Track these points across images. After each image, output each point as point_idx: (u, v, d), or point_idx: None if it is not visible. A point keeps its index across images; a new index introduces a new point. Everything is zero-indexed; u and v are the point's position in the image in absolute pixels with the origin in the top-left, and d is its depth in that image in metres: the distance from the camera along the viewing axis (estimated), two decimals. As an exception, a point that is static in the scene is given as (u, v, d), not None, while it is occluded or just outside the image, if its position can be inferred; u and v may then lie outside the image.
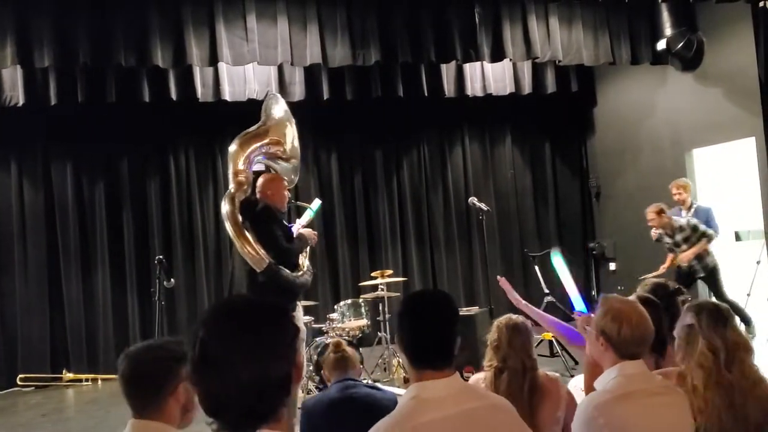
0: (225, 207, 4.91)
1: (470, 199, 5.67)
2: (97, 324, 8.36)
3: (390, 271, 7.54)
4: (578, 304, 3.16)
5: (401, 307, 2.10)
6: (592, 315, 2.93)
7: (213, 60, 6.78)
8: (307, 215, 5.21)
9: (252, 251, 4.70)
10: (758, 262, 7.94)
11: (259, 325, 1.27)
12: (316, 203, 5.36)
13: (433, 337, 1.98)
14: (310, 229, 5.06)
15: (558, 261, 3.43)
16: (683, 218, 7.44)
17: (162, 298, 4.85)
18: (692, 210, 7.42)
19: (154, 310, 5.14)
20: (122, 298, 8.46)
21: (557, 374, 2.99)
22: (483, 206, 5.66)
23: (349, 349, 3.44)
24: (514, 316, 3.00)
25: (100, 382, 8.03)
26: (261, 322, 1.28)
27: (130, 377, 2.11)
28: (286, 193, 5.05)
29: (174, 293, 8.24)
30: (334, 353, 3.41)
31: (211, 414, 1.25)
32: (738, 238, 9.33)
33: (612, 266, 10.07)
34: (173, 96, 7.64)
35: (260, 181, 5.00)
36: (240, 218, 4.83)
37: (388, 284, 7.22)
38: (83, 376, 8.05)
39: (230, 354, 1.22)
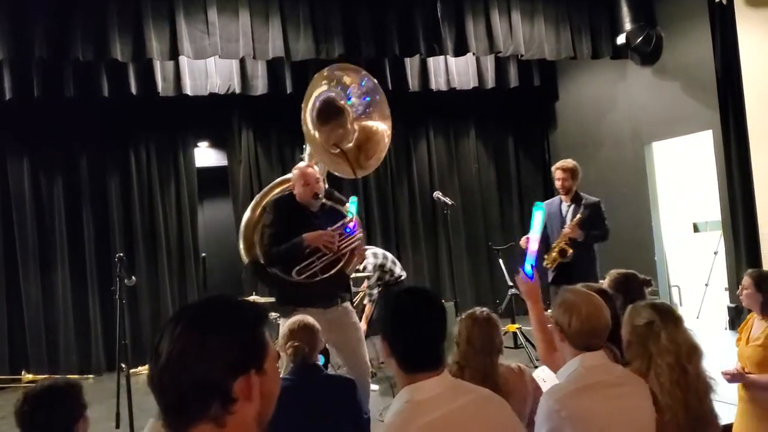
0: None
1: (435, 193, 5.68)
2: (57, 323, 8.19)
3: (355, 266, 7.51)
4: (528, 264, 3.11)
5: (390, 312, 2.00)
6: (530, 282, 2.96)
7: (173, 54, 6.67)
8: (348, 215, 4.57)
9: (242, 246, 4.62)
10: (716, 253, 8.13)
11: (207, 326, 1.24)
12: (352, 202, 4.65)
13: (427, 342, 1.92)
14: (321, 232, 4.34)
15: (538, 216, 3.39)
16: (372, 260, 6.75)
17: (123, 296, 4.76)
18: (575, 204, 6.02)
19: (116, 308, 5.05)
20: (83, 297, 8.31)
21: (522, 366, 2.96)
22: (448, 200, 5.68)
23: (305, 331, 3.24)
24: (479, 310, 2.93)
25: (60, 382, 7.88)
26: (210, 322, 1.24)
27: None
28: (317, 184, 4.45)
29: (136, 291, 8.12)
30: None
31: (160, 408, 1.25)
32: (696, 229, 9.53)
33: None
34: (133, 91, 7.51)
35: None
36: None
37: (354, 279, 7.19)
38: (43, 377, 7.88)
39: (172, 349, 1.21)
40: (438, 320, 1.96)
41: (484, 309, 2.92)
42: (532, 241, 3.40)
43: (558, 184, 6.03)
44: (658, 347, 2.49)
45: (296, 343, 3.16)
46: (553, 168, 6.18)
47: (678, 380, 2.45)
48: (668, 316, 2.56)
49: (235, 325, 1.26)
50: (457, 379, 2.09)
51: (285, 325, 3.33)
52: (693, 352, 2.51)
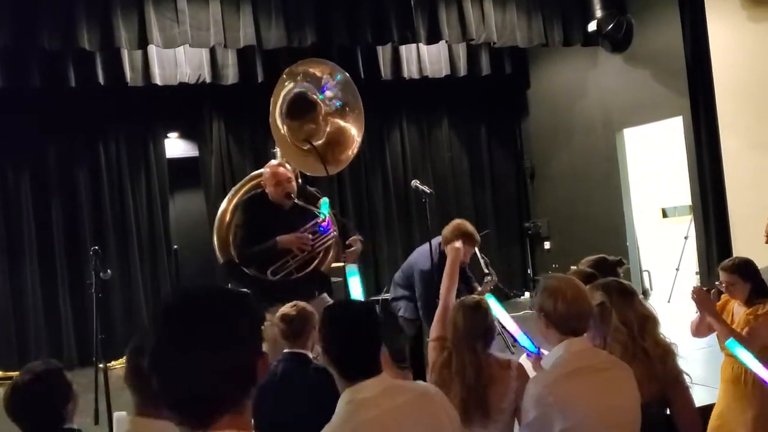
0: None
1: (413, 182, 5.63)
2: (27, 318, 8.02)
3: (330, 256, 7.49)
4: (525, 342, 2.98)
5: (326, 326, 2.15)
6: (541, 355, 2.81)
7: (142, 43, 6.55)
8: (321, 216, 4.39)
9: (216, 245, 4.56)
10: (686, 238, 8.26)
11: (220, 311, 1.23)
12: (323, 204, 4.43)
13: (365, 350, 2.08)
14: (294, 235, 4.26)
15: (493, 303, 3.14)
16: None
17: (98, 290, 4.69)
18: None
19: (87, 302, 4.97)
20: (53, 291, 8.14)
21: (512, 357, 2.93)
22: (426, 189, 5.65)
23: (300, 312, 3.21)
24: (470, 297, 2.93)
25: (31, 379, 7.74)
26: (221, 307, 1.24)
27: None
28: (289, 184, 4.32)
29: (108, 285, 7.94)
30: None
31: (171, 406, 1.22)
32: (664, 215, 9.69)
33: (547, 245, 10.29)
34: (101, 81, 7.37)
35: None
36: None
37: (329, 269, 7.17)
38: (14, 374, 7.71)
39: (188, 340, 1.18)
40: (372, 329, 2.13)
41: (476, 296, 2.93)
42: (511, 328, 3.16)
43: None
44: (611, 327, 2.57)
45: (292, 314, 3.15)
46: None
47: (635, 353, 2.56)
48: (618, 295, 2.65)
49: (247, 307, 1.28)
50: (396, 380, 2.21)
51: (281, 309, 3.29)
52: (645, 323, 2.64)
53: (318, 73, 4.71)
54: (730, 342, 2.78)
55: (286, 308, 3.20)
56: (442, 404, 2.15)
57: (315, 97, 4.70)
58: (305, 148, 4.65)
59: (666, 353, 2.64)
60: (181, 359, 1.18)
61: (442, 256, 4.57)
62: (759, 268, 3.48)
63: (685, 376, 2.70)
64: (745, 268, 3.35)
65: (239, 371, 1.21)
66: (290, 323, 3.15)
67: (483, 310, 2.81)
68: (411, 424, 2.02)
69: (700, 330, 3.51)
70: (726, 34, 7.06)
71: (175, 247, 8.37)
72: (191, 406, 1.20)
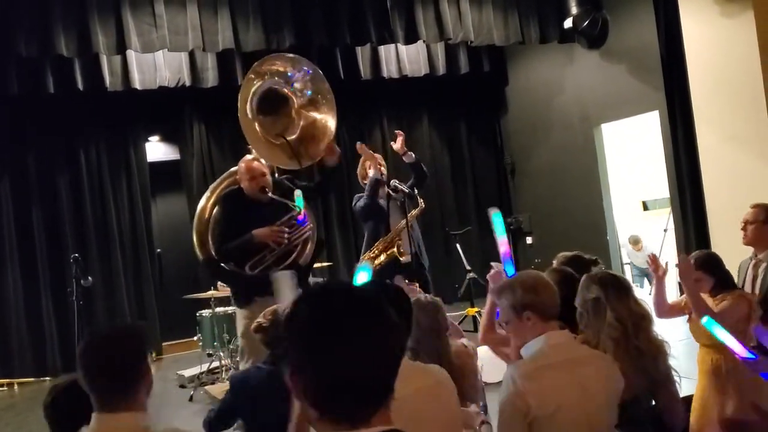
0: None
1: (392, 181, 5.69)
2: (9, 326, 7.97)
3: (314, 256, 7.50)
4: (509, 268, 3.15)
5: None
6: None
7: (120, 48, 6.54)
8: (296, 209, 4.42)
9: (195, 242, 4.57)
10: (665, 230, 8.35)
11: (375, 300, 1.20)
12: (298, 197, 4.43)
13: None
14: (269, 228, 4.32)
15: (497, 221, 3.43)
16: None
17: (80, 297, 4.67)
18: None
19: (70, 309, 4.95)
20: (35, 299, 8.10)
21: (470, 344, 3.07)
22: (405, 188, 5.71)
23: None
24: (422, 296, 3.06)
25: (16, 386, 7.70)
26: (376, 298, 1.21)
27: (100, 368, 1.99)
28: (263, 178, 4.39)
29: (90, 292, 7.93)
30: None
31: (319, 404, 1.16)
32: (645, 207, 9.79)
33: (529, 240, 10.36)
34: (80, 86, 7.35)
35: None
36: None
37: (313, 269, 7.19)
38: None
39: (344, 326, 1.13)
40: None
41: (428, 295, 3.10)
42: (499, 244, 3.43)
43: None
44: (605, 323, 2.60)
45: (265, 324, 3.16)
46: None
47: (627, 349, 2.58)
48: (614, 290, 2.67)
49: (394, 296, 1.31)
50: (416, 363, 2.27)
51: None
52: (640, 321, 2.65)
53: (281, 69, 4.71)
54: (708, 321, 2.84)
55: (260, 318, 3.21)
56: (453, 392, 2.26)
57: (286, 90, 4.69)
58: (278, 142, 4.63)
59: (659, 352, 2.66)
60: (339, 347, 1.13)
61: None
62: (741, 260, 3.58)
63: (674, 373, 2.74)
64: (708, 264, 3.46)
65: (392, 359, 1.18)
66: (266, 332, 3.17)
67: (438, 306, 2.95)
68: (428, 409, 2.09)
69: (661, 307, 3.59)
70: (699, 30, 7.14)
71: (158, 250, 8.39)
72: (349, 398, 1.15)
